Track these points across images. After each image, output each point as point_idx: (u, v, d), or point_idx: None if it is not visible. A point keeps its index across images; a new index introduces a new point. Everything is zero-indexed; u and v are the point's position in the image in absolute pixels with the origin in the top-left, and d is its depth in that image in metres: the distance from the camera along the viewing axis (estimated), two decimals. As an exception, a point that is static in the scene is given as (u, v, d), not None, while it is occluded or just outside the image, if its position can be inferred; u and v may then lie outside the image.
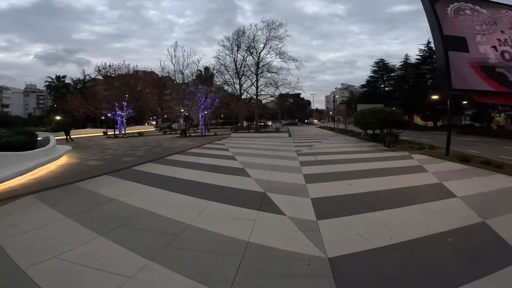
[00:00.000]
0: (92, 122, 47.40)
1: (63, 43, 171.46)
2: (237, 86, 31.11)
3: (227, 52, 30.01)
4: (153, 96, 36.83)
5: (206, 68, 41.29)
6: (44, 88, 52.49)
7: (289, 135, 24.31)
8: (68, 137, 24.55)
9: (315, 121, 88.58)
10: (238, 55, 29.76)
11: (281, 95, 38.66)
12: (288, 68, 29.02)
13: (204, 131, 25.91)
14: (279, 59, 29.60)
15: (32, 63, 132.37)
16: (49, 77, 49.99)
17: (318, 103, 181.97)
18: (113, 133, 30.31)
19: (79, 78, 49.16)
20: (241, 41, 29.34)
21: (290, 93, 41.91)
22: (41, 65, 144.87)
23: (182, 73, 25.05)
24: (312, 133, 30.37)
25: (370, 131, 18.57)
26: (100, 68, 31.49)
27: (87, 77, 45.15)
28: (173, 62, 25.50)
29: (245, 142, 17.69)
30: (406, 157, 11.00)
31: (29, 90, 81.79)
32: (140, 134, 30.54)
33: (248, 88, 31.68)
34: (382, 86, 62.60)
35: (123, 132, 34.41)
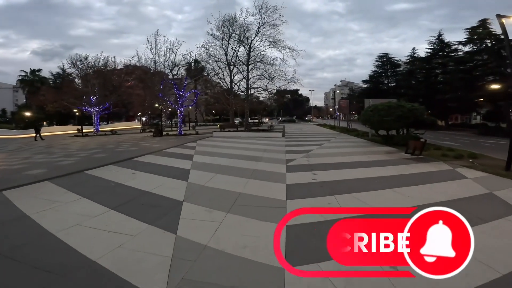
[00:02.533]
0: (75, 119, 43.18)
1: (60, 39, 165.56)
2: (228, 79, 27.01)
3: (217, 42, 25.52)
4: (135, 90, 32.76)
5: (196, 61, 37.16)
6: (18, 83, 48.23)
7: (283, 135, 20.40)
8: (38, 135, 20.61)
9: (314, 118, 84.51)
10: (229, 45, 25.50)
11: (278, 91, 34.85)
12: (283, 59, 24.69)
13: (182, 129, 21.95)
14: (273, 49, 25.38)
15: (29, 59, 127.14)
16: (23, 70, 45.62)
17: (317, 101, 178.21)
18: (80, 131, 26.22)
19: (58, 72, 44.83)
20: (233, 30, 25.05)
21: (287, 88, 37.76)
22: (38, 61, 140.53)
23: (155, 62, 20.94)
24: (311, 132, 26.41)
25: (382, 132, 14.76)
26: (74, 61, 27.42)
27: (66, 71, 40.48)
28: (154, 52, 21.44)
29: (223, 145, 13.80)
30: (452, 174, 7.18)
31: (19, 86, 76.88)
32: (113, 132, 26.57)
33: (240, 82, 27.58)
34: (386, 81, 58.74)
35: (100, 129, 30.59)
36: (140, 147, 13.74)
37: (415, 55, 49.68)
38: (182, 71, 23.17)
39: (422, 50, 50.55)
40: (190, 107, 28.76)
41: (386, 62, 57.50)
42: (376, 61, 58.21)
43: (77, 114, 31.49)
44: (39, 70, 45.51)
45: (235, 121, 36.57)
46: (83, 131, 25.93)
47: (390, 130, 14.08)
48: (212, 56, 24.59)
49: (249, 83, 25.48)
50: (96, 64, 27.91)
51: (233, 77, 26.41)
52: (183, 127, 21.68)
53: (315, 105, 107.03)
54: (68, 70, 29.26)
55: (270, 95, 32.35)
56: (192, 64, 39.69)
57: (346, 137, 18.82)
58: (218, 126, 32.19)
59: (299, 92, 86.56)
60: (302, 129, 30.82)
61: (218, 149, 12.12)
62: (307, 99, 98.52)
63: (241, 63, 25.66)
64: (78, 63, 27.53)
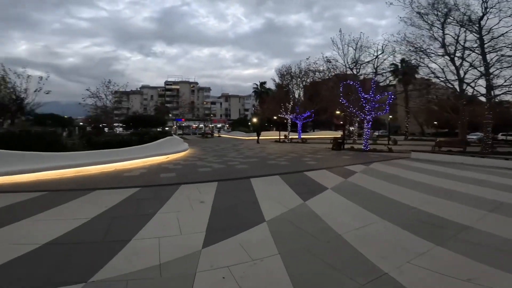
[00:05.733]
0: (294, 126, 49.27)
1: (291, 57, 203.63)
2: (451, 77, 17.70)
3: (423, 32, 17.04)
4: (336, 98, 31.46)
5: (403, 61, 29.04)
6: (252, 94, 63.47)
7: None
8: (258, 138, 25.56)
9: None
10: (445, 31, 16.28)
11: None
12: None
13: (369, 144, 16.84)
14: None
15: (274, 76, 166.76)
16: (255, 83, 59.48)
17: None
18: (286, 137, 28.63)
19: (279, 83, 53.74)
20: (447, 10, 15.72)
21: None
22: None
23: (344, 65, 17.32)
24: None
25: None
26: (281, 72, 30.94)
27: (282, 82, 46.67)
28: (341, 54, 18.35)
29: (407, 182, 7.82)
30: None
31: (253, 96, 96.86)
32: (303, 140, 26.57)
33: (477, 80, 17.10)
34: None
35: (301, 136, 32.19)
36: (292, 162, 11.27)
37: None
38: (369, 70, 17.80)
39: None
40: (390, 116, 22.31)
41: None
42: None
43: (285, 121, 35.27)
44: (264, 83, 57.65)
45: (470, 137, 24.45)
46: (279, 137, 28.19)
47: None
48: (420, 49, 16.70)
49: (491, 79, 14.96)
50: (299, 74, 29.34)
51: (464, 74, 16.71)
52: (380, 140, 16.50)
53: None
54: (278, 81, 33.15)
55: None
56: (399, 64, 31.59)
57: None
58: (436, 142, 22.60)
59: None
60: None
61: (387, 189, 6.74)
62: None
63: (469, 51, 15.71)
64: (285, 74, 30.39)
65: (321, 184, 6.84)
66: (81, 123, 39.69)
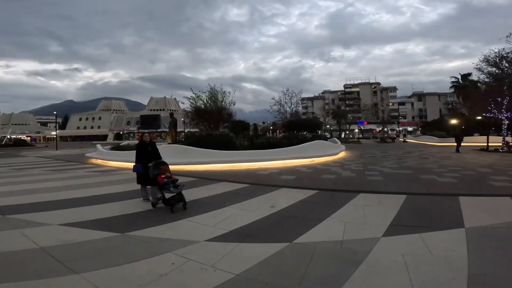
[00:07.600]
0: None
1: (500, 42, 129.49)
2: None
3: None
4: None
5: None
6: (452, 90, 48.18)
7: None
8: (457, 145, 19.52)
9: None
10: None
11: None
12: None
13: None
14: None
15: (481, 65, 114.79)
16: (453, 77, 45.35)
17: None
18: (486, 144, 19.57)
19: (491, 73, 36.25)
20: None
21: None
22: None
23: None
24: None
25: None
26: (491, 59, 21.07)
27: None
28: None
29: None
30: None
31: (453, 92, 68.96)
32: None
33: None
34: None
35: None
36: (464, 180, 7.82)
37: None
38: None
39: None
40: None
41: None
42: None
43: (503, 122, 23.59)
44: (469, 75, 42.79)
45: None
46: (508, 144, 18.78)
47: None
48: None
49: None
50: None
51: None
52: None
53: None
54: (489, 70, 22.64)
55: None
56: None
57: None
58: None
59: None
60: None
61: None
62: None
63: None
64: (497, 60, 20.63)
65: (461, 217, 4.36)
66: (271, 127, 48.61)
